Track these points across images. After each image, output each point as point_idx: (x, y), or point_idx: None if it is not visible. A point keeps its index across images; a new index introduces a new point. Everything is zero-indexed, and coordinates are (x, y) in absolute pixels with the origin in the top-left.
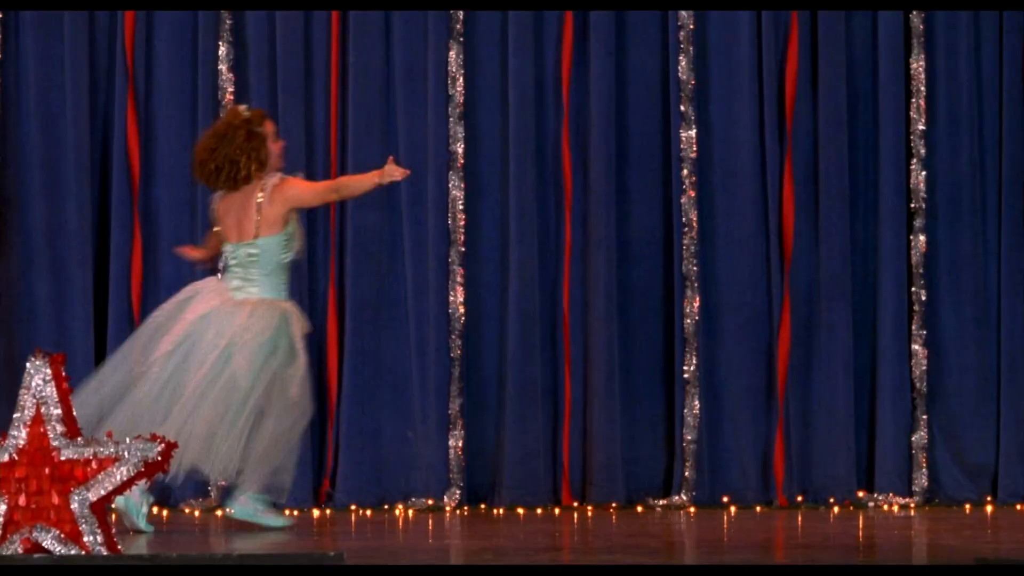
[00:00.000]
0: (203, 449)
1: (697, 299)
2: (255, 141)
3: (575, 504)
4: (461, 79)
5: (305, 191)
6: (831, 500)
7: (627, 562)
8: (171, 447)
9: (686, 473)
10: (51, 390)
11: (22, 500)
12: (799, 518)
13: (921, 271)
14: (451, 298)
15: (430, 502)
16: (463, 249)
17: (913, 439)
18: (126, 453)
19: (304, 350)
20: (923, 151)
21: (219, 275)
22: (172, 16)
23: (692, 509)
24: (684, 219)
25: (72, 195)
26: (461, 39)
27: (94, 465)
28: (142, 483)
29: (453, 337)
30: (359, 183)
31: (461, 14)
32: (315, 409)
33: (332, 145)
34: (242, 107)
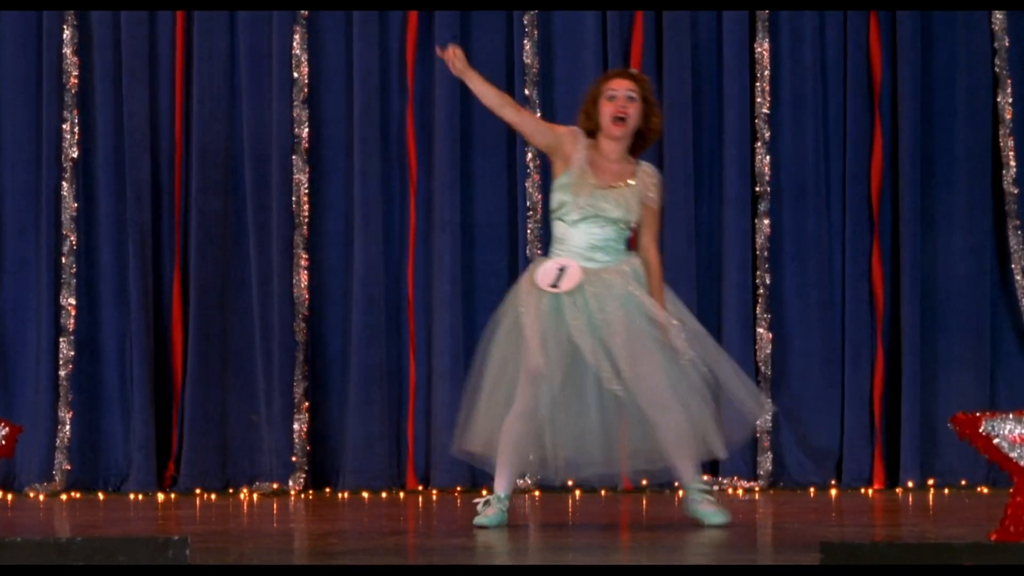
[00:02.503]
0: None
1: None
2: (588, 99)
3: (420, 488)
4: (305, 62)
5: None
6: (676, 484)
7: (470, 545)
8: (15, 431)
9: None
10: None
11: None
12: (644, 502)
13: (766, 254)
14: (295, 282)
15: (275, 486)
16: (307, 233)
17: (758, 423)
18: None
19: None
20: (768, 134)
21: None
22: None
23: (537, 493)
24: (528, 203)
25: None
26: (305, 22)
27: None
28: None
29: (297, 321)
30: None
31: None
32: (163, 392)
33: (177, 129)
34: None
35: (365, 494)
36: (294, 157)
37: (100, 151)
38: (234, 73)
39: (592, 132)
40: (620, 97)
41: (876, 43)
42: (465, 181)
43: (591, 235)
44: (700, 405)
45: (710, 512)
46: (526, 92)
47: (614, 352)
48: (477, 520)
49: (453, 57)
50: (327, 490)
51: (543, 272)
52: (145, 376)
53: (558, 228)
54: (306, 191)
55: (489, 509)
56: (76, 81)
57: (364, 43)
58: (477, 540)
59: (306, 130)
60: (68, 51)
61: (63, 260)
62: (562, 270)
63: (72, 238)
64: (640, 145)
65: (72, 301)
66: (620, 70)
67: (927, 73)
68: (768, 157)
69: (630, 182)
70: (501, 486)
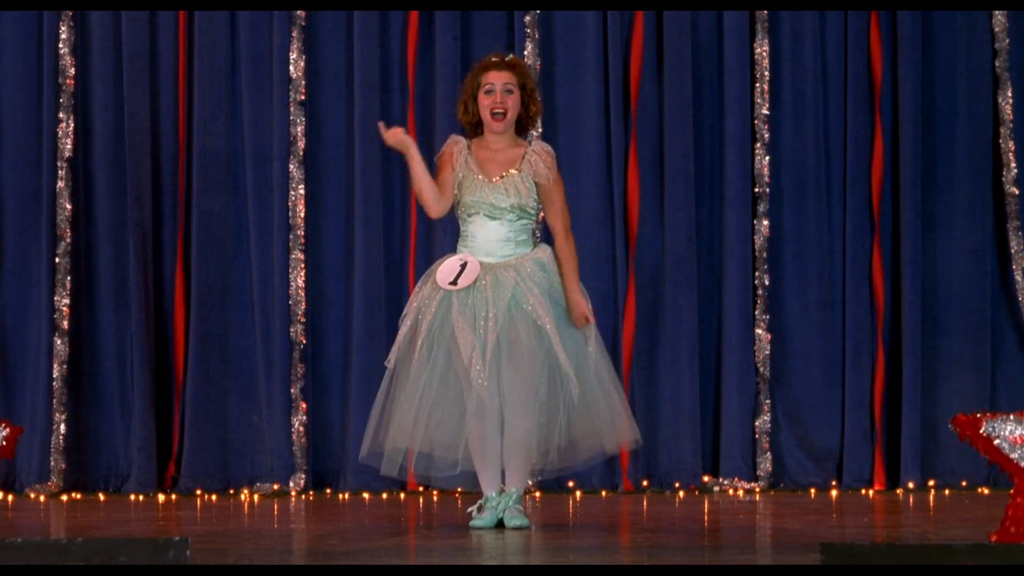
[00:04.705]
0: None
1: None
2: (466, 92)
3: (420, 489)
4: (305, 63)
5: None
6: (676, 485)
7: (470, 545)
8: (16, 432)
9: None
10: None
11: None
12: (644, 503)
13: (765, 255)
14: (296, 282)
15: (276, 487)
16: (307, 233)
17: (757, 424)
18: None
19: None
20: (767, 135)
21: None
22: None
23: (538, 494)
24: None
25: None
26: (304, 22)
27: None
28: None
29: (298, 321)
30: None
31: None
32: (163, 392)
33: (180, 128)
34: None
35: (366, 495)
36: (294, 157)
37: (100, 151)
38: (234, 73)
39: (474, 124)
40: (497, 91)
41: (876, 44)
42: None
43: (490, 229)
44: (554, 420)
45: (516, 517)
46: None
47: (487, 351)
48: (472, 523)
49: (395, 133)
50: (328, 491)
51: (444, 269)
52: (145, 376)
53: (461, 225)
54: (306, 191)
55: (482, 512)
56: (72, 82)
57: (364, 43)
58: (477, 541)
59: (306, 130)
60: (67, 51)
61: (63, 260)
62: (463, 266)
63: (72, 238)
64: (523, 129)
65: (72, 302)
66: (495, 60)
67: (928, 74)
68: (768, 158)
69: (518, 167)
70: (486, 488)
